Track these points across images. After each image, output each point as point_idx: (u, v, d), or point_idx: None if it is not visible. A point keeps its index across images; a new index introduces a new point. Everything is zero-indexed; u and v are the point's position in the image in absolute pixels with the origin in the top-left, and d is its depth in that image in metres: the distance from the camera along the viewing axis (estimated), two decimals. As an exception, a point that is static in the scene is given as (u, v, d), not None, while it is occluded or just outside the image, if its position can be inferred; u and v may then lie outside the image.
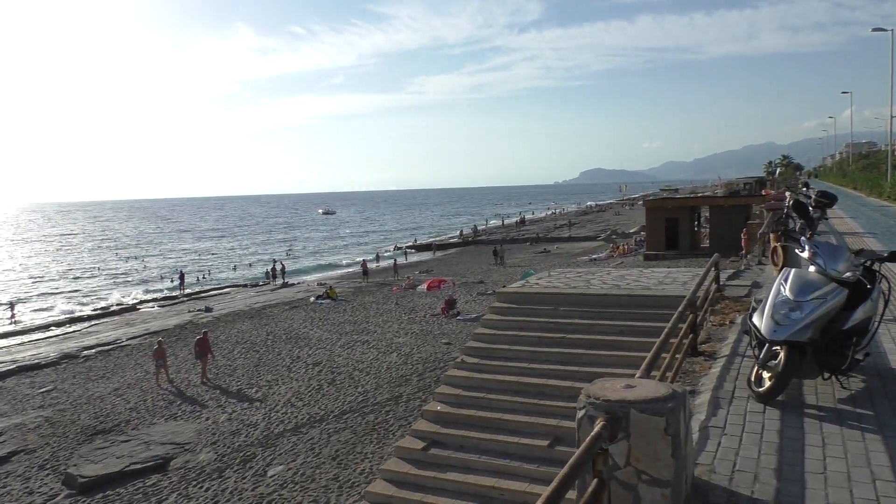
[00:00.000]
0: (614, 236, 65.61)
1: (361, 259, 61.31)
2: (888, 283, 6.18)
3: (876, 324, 5.63)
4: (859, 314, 5.35)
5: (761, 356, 5.28)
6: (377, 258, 73.22)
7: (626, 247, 54.34)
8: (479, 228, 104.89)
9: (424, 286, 37.06)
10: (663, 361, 5.62)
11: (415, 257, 77.06)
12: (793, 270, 5.39)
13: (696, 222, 48.73)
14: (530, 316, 10.59)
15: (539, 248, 70.31)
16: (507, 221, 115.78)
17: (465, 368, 10.33)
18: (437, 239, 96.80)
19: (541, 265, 53.34)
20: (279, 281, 55.68)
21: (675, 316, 5.48)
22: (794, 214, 16.12)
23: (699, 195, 71.55)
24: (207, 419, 19.52)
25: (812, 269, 5.41)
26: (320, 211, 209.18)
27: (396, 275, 53.04)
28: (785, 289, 5.19)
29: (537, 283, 11.46)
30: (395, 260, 62.18)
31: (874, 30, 42.50)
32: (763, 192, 56.78)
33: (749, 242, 22.19)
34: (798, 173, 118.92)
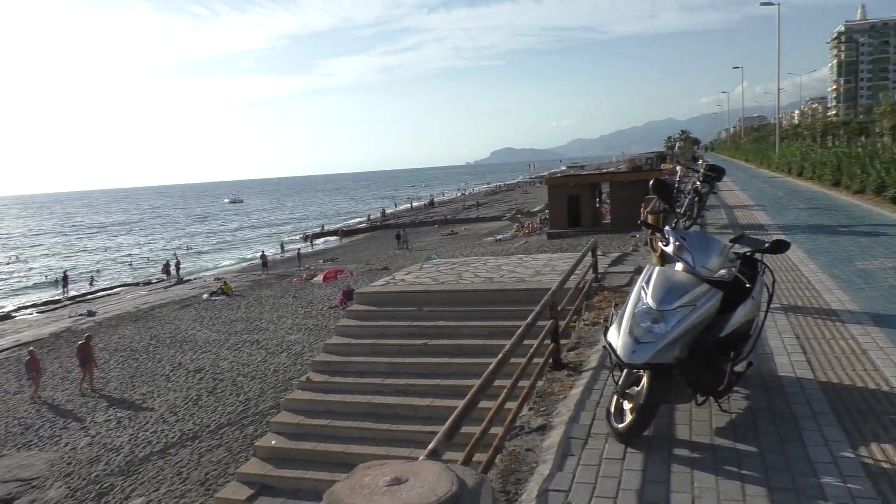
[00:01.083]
0: (519, 215, 65.47)
1: (261, 251, 58.60)
2: (772, 274, 5.17)
3: (760, 325, 4.60)
4: (739, 317, 4.29)
5: (620, 382, 4.12)
6: (282, 248, 70.54)
7: (531, 225, 54.14)
8: (387, 212, 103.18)
9: (320, 277, 35.33)
10: (515, 372, 4.42)
11: (321, 245, 74.71)
12: (656, 269, 4.25)
13: (597, 199, 48.86)
14: (392, 319, 9.31)
15: (447, 231, 69.41)
16: (415, 204, 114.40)
17: (311, 388, 8.88)
18: (345, 225, 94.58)
19: (447, 247, 52.54)
20: (174, 278, 52.39)
21: (521, 328, 4.28)
22: (686, 190, 15.62)
23: (600, 172, 72.43)
24: (66, 445, 17.35)
25: (679, 266, 4.29)
26: (227, 200, 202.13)
27: (299, 265, 50.86)
28: (646, 294, 4.04)
29: (402, 280, 10.21)
30: (299, 249, 59.77)
31: (762, 3, 43.29)
32: (662, 167, 57.79)
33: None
34: (696, 147, 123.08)
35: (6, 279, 64.53)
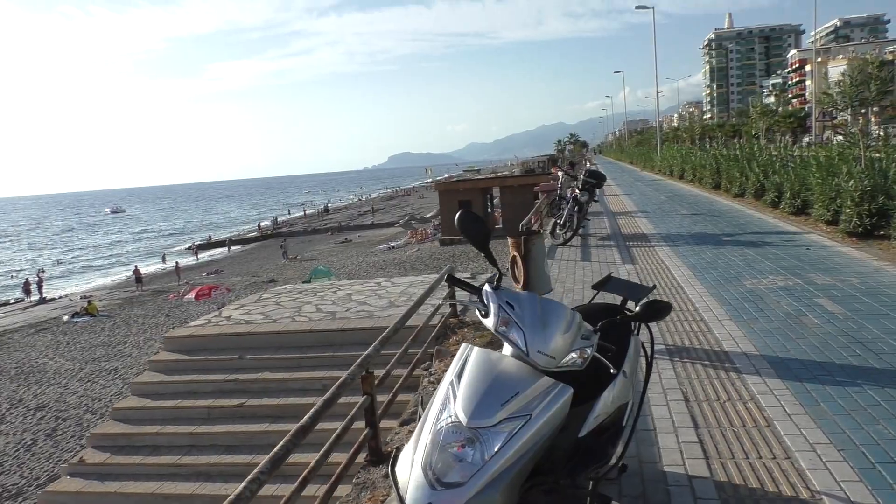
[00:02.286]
0: (413, 221, 64.24)
1: (135, 265, 54.47)
2: (649, 331, 3.86)
3: (634, 413, 3.25)
4: (603, 408, 2.88)
5: None
6: (164, 260, 66.15)
7: (423, 232, 52.99)
8: (279, 220, 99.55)
9: (192, 295, 32.59)
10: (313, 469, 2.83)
11: (207, 257, 70.67)
12: (473, 353, 2.73)
13: (489, 203, 48.38)
14: (204, 372, 7.52)
15: (340, 238, 67.28)
16: (309, 211, 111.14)
17: (83, 474, 6.86)
18: (235, 234, 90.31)
19: (339, 256, 50.62)
20: (35, 297, 47.63)
21: (303, 421, 2.75)
22: (570, 197, 14.66)
23: (493, 176, 72.37)
24: None
25: (507, 349, 2.80)
26: (108, 210, 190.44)
27: (178, 280, 47.44)
28: (454, 400, 2.55)
29: (227, 319, 8.45)
30: (177, 263, 55.97)
31: (637, 7, 44.05)
32: (552, 170, 58.22)
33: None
34: (584, 150, 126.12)
35: None
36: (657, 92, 44.32)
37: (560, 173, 16.83)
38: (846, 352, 5.53)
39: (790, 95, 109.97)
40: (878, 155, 12.42)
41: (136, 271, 48.54)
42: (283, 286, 11.03)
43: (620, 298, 3.72)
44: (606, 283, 3.87)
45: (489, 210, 48.08)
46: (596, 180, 13.71)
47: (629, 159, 63.56)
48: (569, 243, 12.97)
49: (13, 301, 49.63)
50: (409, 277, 10.87)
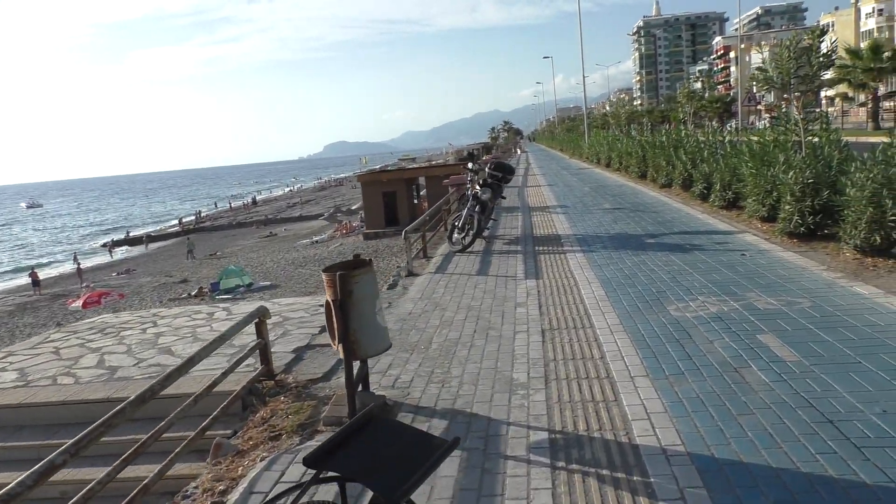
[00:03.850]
0: (339, 214, 61.57)
1: (31, 267, 50.23)
2: None
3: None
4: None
5: None
6: (75, 259, 61.69)
7: (348, 225, 50.51)
8: (203, 214, 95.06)
9: (79, 303, 29.40)
10: None
11: (122, 254, 66.48)
12: None
13: (415, 194, 46.27)
14: None
15: (265, 232, 64.14)
16: (236, 204, 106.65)
17: None
18: (155, 230, 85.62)
19: (259, 252, 47.73)
20: (-82, 304, 43.09)
21: None
22: (470, 194, 12.69)
23: (416, 166, 70.23)
24: None
25: None
26: (24, 204, 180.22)
27: (80, 282, 43.69)
28: None
29: None
30: (78, 264, 51.97)
31: (564, -9, 42.47)
32: (485, 157, 56.46)
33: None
34: (518, 137, 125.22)
35: None
36: (583, 77, 42.96)
37: (469, 165, 14.75)
38: (815, 445, 3.65)
39: (716, 81, 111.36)
40: (815, 140, 10.85)
41: (33, 274, 44.52)
42: (88, 320, 8.70)
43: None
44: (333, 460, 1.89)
45: (415, 201, 46.03)
46: (502, 174, 11.73)
47: (559, 146, 62.37)
48: (468, 250, 11.00)
49: None
50: (258, 303, 8.66)
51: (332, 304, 4.18)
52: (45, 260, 66.71)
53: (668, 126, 47.76)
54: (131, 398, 3.65)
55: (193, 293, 31.70)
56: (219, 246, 58.59)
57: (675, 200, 15.94)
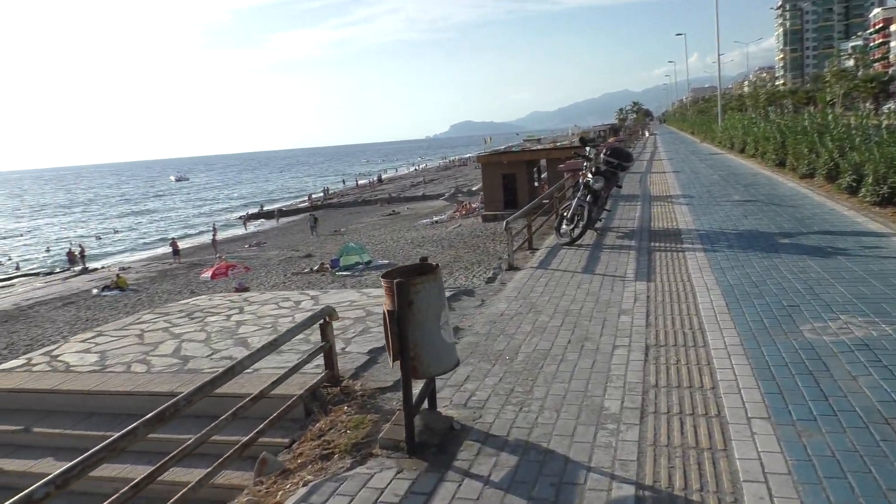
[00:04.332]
0: (459, 195, 61.51)
1: (172, 237, 53.67)
2: None
3: None
4: None
5: None
6: (214, 230, 65.71)
7: (468, 206, 50.26)
8: (330, 191, 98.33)
9: (208, 273, 30.95)
10: None
11: (255, 228, 70.01)
12: None
13: (536, 177, 45.27)
14: None
15: (388, 210, 65.31)
16: (362, 182, 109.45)
17: None
18: (286, 204, 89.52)
19: (381, 231, 48.58)
20: (79, 267, 47.40)
21: None
22: (581, 183, 11.79)
23: (545, 147, 68.72)
24: None
25: None
26: (173, 178, 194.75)
27: (215, 252, 46.29)
28: None
29: (46, 364, 6.06)
30: (214, 235, 55.03)
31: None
32: (610, 139, 54.41)
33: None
34: (648, 119, 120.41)
35: None
36: (718, 54, 39.99)
37: (587, 148, 13.76)
38: None
39: (872, 59, 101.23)
40: None
41: (174, 243, 47.66)
42: (182, 302, 8.73)
43: None
44: None
45: (536, 184, 45.07)
46: (619, 161, 10.78)
47: (690, 129, 58.93)
48: (577, 243, 10.19)
49: (58, 270, 49.70)
50: (349, 293, 8.33)
51: (388, 315, 3.66)
52: (187, 231, 71.45)
53: (812, 108, 43.77)
54: (146, 417, 3.31)
55: (315, 268, 32.63)
56: (343, 222, 60.24)
57: (817, 193, 14.23)
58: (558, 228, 10.57)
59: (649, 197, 15.69)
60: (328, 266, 32.21)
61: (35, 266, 53.70)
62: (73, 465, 2.79)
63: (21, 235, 78.83)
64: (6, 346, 24.77)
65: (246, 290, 26.90)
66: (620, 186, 12.19)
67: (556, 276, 8.26)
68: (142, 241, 66.94)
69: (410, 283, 3.67)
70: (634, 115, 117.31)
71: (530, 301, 7.13)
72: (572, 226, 10.25)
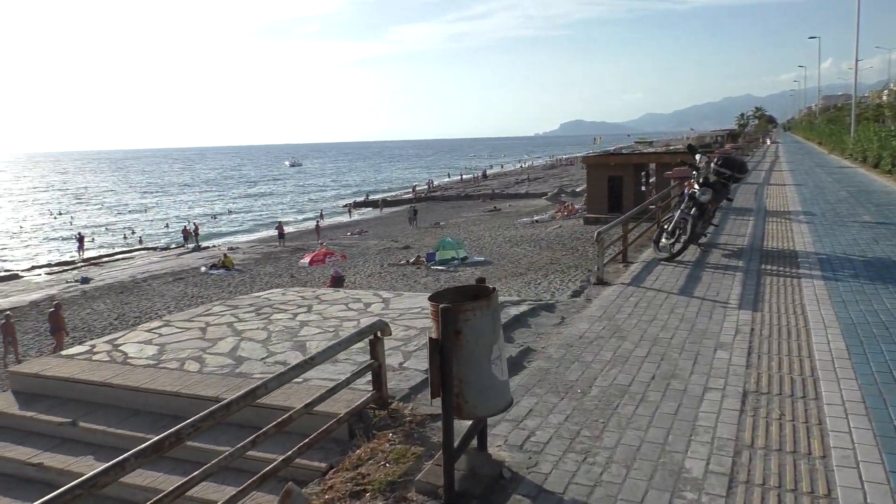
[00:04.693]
0: (562, 195, 60.17)
1: (278, 221, 55.36)
2: None
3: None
4: None
5: None
6: (321, 216, 67.67)
7: (571, 207, 49.02)
8: (434, 184, 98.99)
9: (306, 259, 31.54)
10: None
11: (359, 215, 71.45)
12: None
13: (644, 181, 43.51)
14: (18, 440, 5.01)
15: (490, 207, 64.92)
16: (466, 176, 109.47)
17: None
18: (391, 194, 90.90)
19: (479, 227, 48.25)
20: (192, 244, 49.89)
21: None
22: (687, 193, 10.79)
23: (650, 151, 65.94)
24: None
25: None
26: (287, 163, 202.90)
27: (317, 238, 47.45)
28: None
29: (105, 353, 5.85)
30: (317, 221, 56.43)
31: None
32: (727, 146, 51.63)
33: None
34: (771, 126, 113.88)
35: (34, 236, 63.74)
36: (856, 60, 36.74)
37: (697, 156, 12.67)
38: None
39: None
40: None
41: (279, 227, 49.17)
42: (254, 295, 8.52)
43: None
44: None
45: (643, 188, 43.37)
46: (731, 171, 9.78)
47: (817, 139, 54.93)
48: (676, 259, 9.30)
49: (174, 246, 52.45)
50: (422, 298, 7.79)
51: (431, 343, 3.15)
52: (295, 216, 73.79)
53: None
54: (156, 438, 2.96)
55: (411, 260, 32.68)
56: (444, 216, 60.32)
57: (965, 219, 12.58)
58: (657, 242, 9.72)
59: (764, 211, 14.37)
60: (423, 259, 32.17)
61: (155, 241, 56.87)
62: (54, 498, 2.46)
63: (145, 211, 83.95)
64: (117, 316, 26.17)
65: (341, 278, 27.22)
66: (731, 199, 11.14)
67: (648, 296, 7.49)
68: (253, 222, 69.62)
69: (459, 309, 3.15)
70: (756, 122, 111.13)
71: (615, 324, 6.43)
72: (673, 240, 9.38)
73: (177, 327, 6.78)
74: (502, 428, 4.17)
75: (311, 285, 28.78)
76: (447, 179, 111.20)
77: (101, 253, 52.32)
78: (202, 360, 5.64)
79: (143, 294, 30.58)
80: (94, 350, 6.09)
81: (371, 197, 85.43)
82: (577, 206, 48.81)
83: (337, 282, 27.13)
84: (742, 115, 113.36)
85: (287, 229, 57.13)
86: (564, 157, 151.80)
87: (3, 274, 44.96)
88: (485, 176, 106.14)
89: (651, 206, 13.02)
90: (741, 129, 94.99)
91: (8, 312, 22.26)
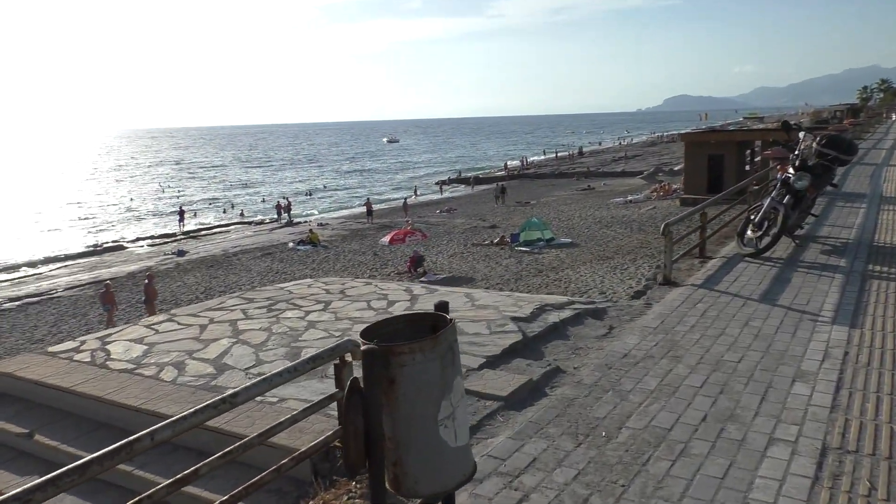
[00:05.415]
0: (660, 174, 57.37)
1: (366, 197, 55.55)
2: None
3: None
4: None
5: None
6: (415, 193, 67.82)
7: (668, 186, 46.55)
8: (528, 161, 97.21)
9: (387, 239, 31.14)
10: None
11: (450, 192, 71.03)
12: None
13: (748, 161, 40.56)
14: None
15: (583, 185, 62.99)
16: (561, 153, 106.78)
17: None
18: (484, 171, 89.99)
19: (571, 206, 46.69)
20: (284, 219, 50.96)
21: None
22: (779, 179, 9.24)
23: (758, 128, 61.36)
24: None
25: None
26: (385, 140, 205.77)
27: (405, 215, 47.31)
28: None
29: (90, 353, 5.25)
30: (405, 198, 56.27)
31: None
32: (846, 122, 47.48)
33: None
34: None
35: (143, 208, 67.00)
36: None
37: (801, 134, 10.90)
38: None
39: None
40: None
41: (367, 204, 49.32)
42: (275, 286, 7.82)
43: None
44: None
45: (747, 168, 40.51)
46: (836, 153, 8.27)
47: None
48: (763, 256, 7.94)
49: (268, 220, 53.73)
50: (458, 295, 6.83)
51: (343, 400, 2.29)
52: (388, 191, 74.16)
53: None
54: (52, 475, 2.28)
55: (496, 241, 31.81)
56: (535, 194, 58.87)
57: None
58: (741, 234, 8.34)
59: (880, 198, 12.50)
60: (508, 240, 31.24)
61: (253, 216, 58.44)
62: None
63: (246, 186, 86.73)
64: (204, 290, 26.71)
65: (420, 258, 26.67)
66: (836, 185, 9.57)
67: (720, 302, 6.28)
68: (346, 198, 70.45)
69: (392, 350, 2.28)
70: (881, 95, 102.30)
71: (672, 338, 5.32)
72: (760, 233, 8.00)
73: (179, 323, 6.21)
74: (489, 487, 3.26)
75: (393, 264, 28.41)
76: (543, 157, 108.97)
77: (200, 226, 54.36)
78: (183, 366, 5.02)
79: (231, 268, 31.18)
80: (80, 348, 5.60)
81: (464, 174, 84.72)
82: (674, 186, 46.28)
83: (416, 262, 26.61)
84: (865, 87, 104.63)
85: (378, 206, 57.39)
86: (666, 133, 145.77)
87: (110, 244, 47.54)
88: (581, 153, 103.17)
89: (745, 190, 11.52)
90: (863, 104, 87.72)
91: (108, 281, 23.28)
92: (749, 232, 8.18)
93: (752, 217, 8.25)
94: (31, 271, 39.50)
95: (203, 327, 5.99)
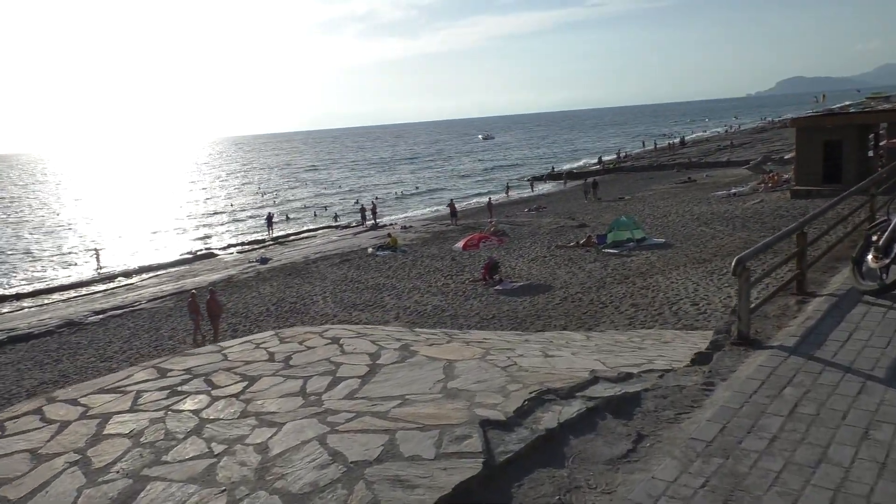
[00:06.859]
0: (768, 163, 52.65)
1: (450, 199, 53.97)
2: None
3: None
4: None
5: None
6: (507, 191, 66.29)
7: (776, 177, 42.40)
8: (624, 153, 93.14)
9: (460, 245, 29.35)
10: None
11: (540, 189, 68.89)
12: None
13: (872, 146, 36.00)
14: None
15: (683, 177, 59.42)
16: (660, 144, 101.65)
17: None
18: (577, 166, 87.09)
19: (668, 201, 43.62)
20: (369, 223, 50.44)
21: None
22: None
23: (884, 109, 54.80)
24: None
25: None
26: (480, 137, 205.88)
27: (490, 216, 45.57)
28: None
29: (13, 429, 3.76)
30: (489, 198, 54.39)
31: None
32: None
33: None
34: None
35: (241, 214, 68.52)
36: None
37: None
38: None
39: None
40: None
41: (451, 205, 47.88)
42: (209, 349, 6.05)
43: None
44: None
45: (870, 154, 35.97)
46: None
47: None
48: (892, 292, 5.43)
49: (354, 224, 53.43)
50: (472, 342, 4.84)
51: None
52: (478, 190, 72.65)
53: None
54: None
55: (582, 241, 29.67)
56: (630, 189, 55.76)
57: None
58: (859, 263, 5.80)
59: None
60: (595, 241, 28.91)
61: (344, 219, 58.28)
62: None
63: (340, 188, 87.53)
64: (276, 301, 26.00)
65: (496, 264, 24.86)
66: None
67: (824, 381, 3.98)
68: (436, 199, 69.51)
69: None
70: None
71: (735, 467, 3.14)
72: (888, 261, 5.51)
73: (42, 419, 4.46)
74: None
75: (469, 270, 26.73)
76: (641, 148, 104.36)
77: (290, 231, 54.70)
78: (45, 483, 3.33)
79: (308, 277, 30.48)
80: (20, 412, 4.07)
81: (556, 169, 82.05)
82: (785, 177, 42.02)
83: (491, 269, 24.82)
84: None
85: (465, 206, 55.85)
86: (777, 119, 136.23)
87: (202, 252, 48.40)
88: (682, 143, 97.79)
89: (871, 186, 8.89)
90: None
91: (193, 291, 23.28)
92: (870, 259, 5.64)
93: (875, 237, 5.72)
94: (125, 281, 40.59)
95: (60, 428, 4.29)
